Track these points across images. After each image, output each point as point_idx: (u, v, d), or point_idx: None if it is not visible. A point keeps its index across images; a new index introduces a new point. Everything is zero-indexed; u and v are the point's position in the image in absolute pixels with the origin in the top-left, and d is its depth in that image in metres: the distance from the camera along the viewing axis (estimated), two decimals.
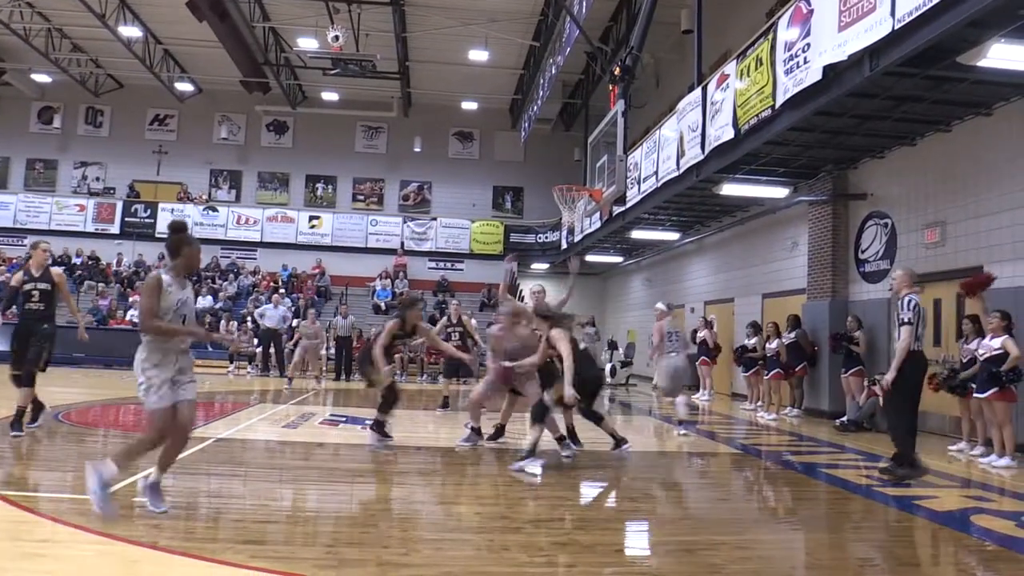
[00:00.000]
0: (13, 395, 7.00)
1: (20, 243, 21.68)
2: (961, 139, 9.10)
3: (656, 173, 12.68)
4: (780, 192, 12.11)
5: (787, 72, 8.14)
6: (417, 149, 26.02)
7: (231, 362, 17.59)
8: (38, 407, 7.28)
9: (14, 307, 7.44)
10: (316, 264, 23.66)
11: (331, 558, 3.78)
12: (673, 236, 16.83)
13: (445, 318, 12.35)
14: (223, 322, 19.00)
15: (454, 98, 24.65)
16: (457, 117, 25.78)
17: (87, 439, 7.32)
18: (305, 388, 13.72)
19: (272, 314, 16.23)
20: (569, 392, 6.37)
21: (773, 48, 8.48)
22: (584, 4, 13.69)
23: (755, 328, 12.67)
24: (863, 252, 11.17)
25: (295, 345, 15.55)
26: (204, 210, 23.78)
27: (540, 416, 6.56)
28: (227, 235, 23.65)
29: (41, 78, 23.95)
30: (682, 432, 9.13)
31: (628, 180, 13.08)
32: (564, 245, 21.72)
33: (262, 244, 24.02)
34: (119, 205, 23.87)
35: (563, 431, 7.20)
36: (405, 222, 24.61)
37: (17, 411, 6.82)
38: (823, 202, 11.72)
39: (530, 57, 20.72)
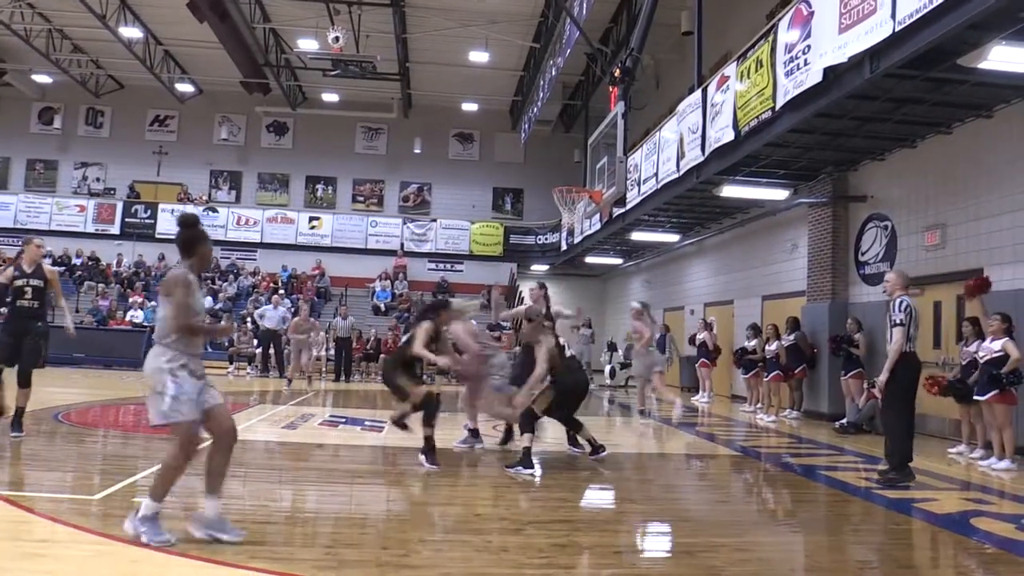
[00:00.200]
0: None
1: (20, 243, 21.63)
2: (961, 141, 9.10)
3: (656, 175, 12.68)
4: (780, 194, 12.12)
5: (787, 74, 8.14)
6: (417, 150, 26.02)
7: (231, 363, 17.59)
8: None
9: (5, 307, 7.13)
10: (316, 265, 23.65)
11: (330, 559, 3.78)
12: (673, 238, 16.84)
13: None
14: (223, 321, 18.99)
15: (454, 99, 24.66)
16: (457, 118, 25.79)
17: (87, 439, 7.31)
18: (304, 389, 13.70)
19: (272, 315, 16.24)
20: (520, 399, 6.40)
21: (773, 50, 8.48)
22: (584, 6, 13.71)
23: (755, 330, 12.67)
24: (863, 254, 11.17)
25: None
26: (204, 211, 23.72)
27: (529, 424, 6.52)
28: (227, 236, 23.61)
29: (42, 79, 23.95)
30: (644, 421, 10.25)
31: (628, 182, 13.08)
32: (564, 247, 21.72)
33: (262, 245, 24.01)
34: (119, 206, 23.87)
35: (476, 425, 7.21)
36: (405, 223, 24.61)
37: (17, 411, 6.76)
38: (823, 204, 11.72)
39: (530, 58, 20.74)
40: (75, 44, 21.75)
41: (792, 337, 11.64)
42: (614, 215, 15.45)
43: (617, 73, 11.77)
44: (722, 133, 9.84)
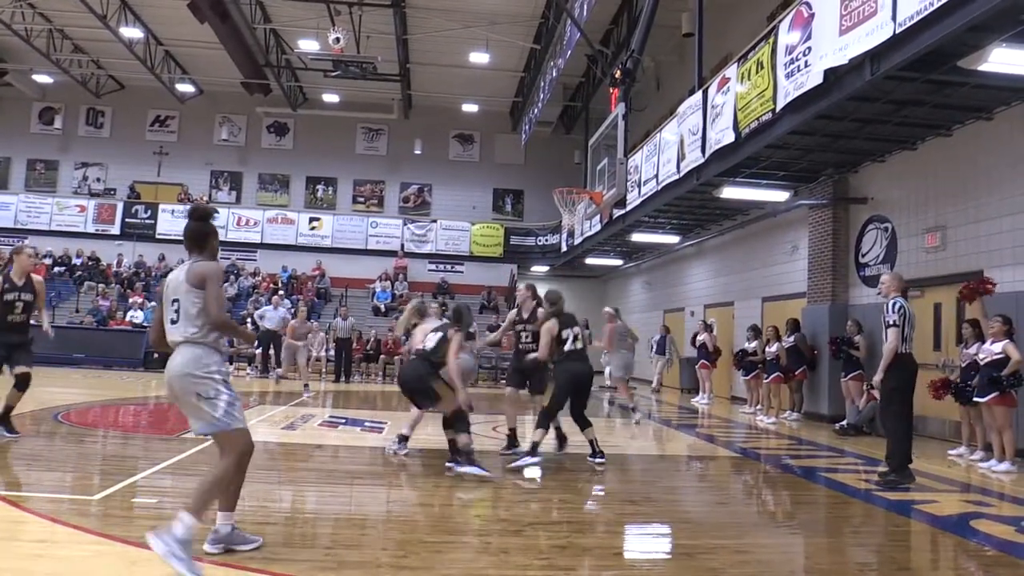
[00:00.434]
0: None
1: (9, 252, 21.61)
2: (962, 143, 9.10)
3: (656, 176, 12.68)
4: (780, 196, 12.11)
5: (788, 76, 8.14)
6: (417, 151, 26.04)
7: (230, 363, 17.58)
8: None
9: None
10: (316, 266, 23.67)
11: (330, 560, 3.77)
12: (673, 239, 16.84)
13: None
14: None
15: (455, 100, 24.67)
16: (458, 119, 25.80)
17: (86, 439, 7.31)
18: (300, 392, 13.67)
19: (272, 315, 16.22)
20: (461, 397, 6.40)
21: (774, 52, 8.48)
22: (585, 7, 13.71)
23: (755, 332, 12.67)
24: (863, 256, 11.17)
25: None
26: None
27: (545, 420, 6.72)
28: (227, 236, 23.58)
29: (42, 79, 23.97)
30: (636, 419, 10.67)
31: (628, 183, 13.09)
32: (564, 248, 21.72)
33: (262, 245, 24.02)
34: (119, 206, 23.88)
35: (408, 433, 7.04)
36: (405, 224, 24.62)
37: (6, 409, 6.73)
38: (823, 206, 11.72)
39: (531, 60, 20.75)
40: (76, 44, 21.77)
41: (792, 339, 11.64)
42: (614, 216, 15.44)
43: (618, 74, 11.77)
44: (723, 135, 9.84)
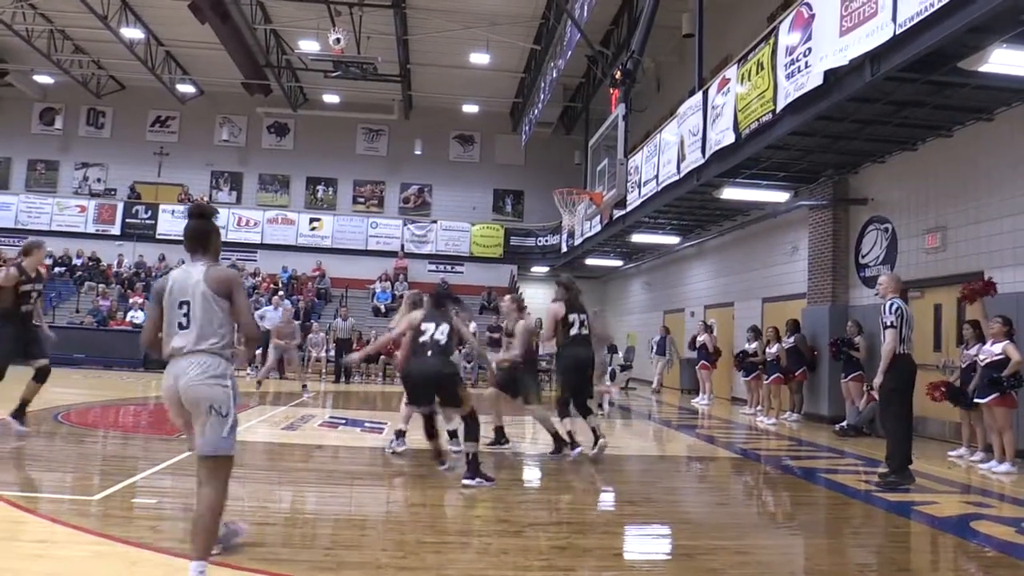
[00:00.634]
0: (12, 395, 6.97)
1: (21, 244, 21.65)
2: (962, 144, 9.10)
3: (657, 177, 12.68)
4: (781, 196, 12.11)
5: (788, 76, 8.14)
6: (418, 152, 26.04)
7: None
8: None
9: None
10: (316, 266, 23.66)
11: (329, 560, 3.78)
12: (673, 240, 16.84)
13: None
14: None
15: (455, 101, 24.67)
16: (458, 120, 25.81)
17: (86, 440, 7.31)
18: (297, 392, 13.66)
19: (272, 316, 16.20)
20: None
21: (774, 52, 8.48)
22: (585, 8, 13.71)
23: (755, 332, 12.66)
24: (864, 257, 11.17)
25: (299, 347, 15.49)
26: None
27: (564, 409, 7.13)
28: (227, 237, 23.57)
29: (43, 79, 23.96)
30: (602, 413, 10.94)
31: (628, 184, 13.08)
32: (564, 248, 21.72)
33: (262, 246, 24.00)
34: (120, 206, 23.88)
35: (404, 427, 7.05)
36: (405, 224, 24.62)
37: (22, 403, 6.88)
38: (824, 207, 11.72)
39: (531, 60, 20.75)
40: (76, 45, 21.77)
41: (792, 340, 11.63)
42: (614, 217, 15.43)
43: (618, 75, 11.76)
44: (723, 135, 9.84)
